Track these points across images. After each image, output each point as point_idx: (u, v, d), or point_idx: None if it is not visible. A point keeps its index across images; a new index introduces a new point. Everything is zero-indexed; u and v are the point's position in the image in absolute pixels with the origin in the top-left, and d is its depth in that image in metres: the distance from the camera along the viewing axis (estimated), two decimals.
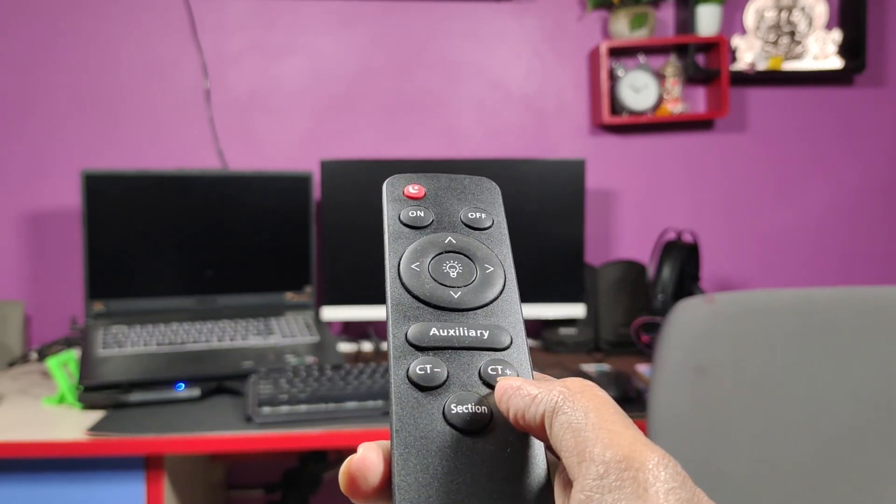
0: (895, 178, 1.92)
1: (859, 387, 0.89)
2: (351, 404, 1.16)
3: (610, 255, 1.85)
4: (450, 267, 0.31)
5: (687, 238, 1.61)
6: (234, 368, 1.31)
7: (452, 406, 0.26)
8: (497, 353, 0.28)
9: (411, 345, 0.28)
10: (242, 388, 1.24)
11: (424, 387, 0.27)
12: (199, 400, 1.25)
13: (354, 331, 1.76)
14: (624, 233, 1.86)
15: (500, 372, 0.27)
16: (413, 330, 0.28)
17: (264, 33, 1.77)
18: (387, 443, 0.27)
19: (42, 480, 1.13)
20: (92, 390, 1.22)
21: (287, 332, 1.47)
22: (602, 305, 1.68)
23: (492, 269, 0.31)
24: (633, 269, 1.69)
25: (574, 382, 0.25)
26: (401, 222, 0.32)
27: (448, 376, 0.27)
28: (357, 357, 1.56)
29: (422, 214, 0.33)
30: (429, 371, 0.27)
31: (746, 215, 1.89)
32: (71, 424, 1.15)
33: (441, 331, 0.28)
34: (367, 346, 1.61)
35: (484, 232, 0.33)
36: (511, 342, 0.29)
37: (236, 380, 1.28)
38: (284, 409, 1.14)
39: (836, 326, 0.88)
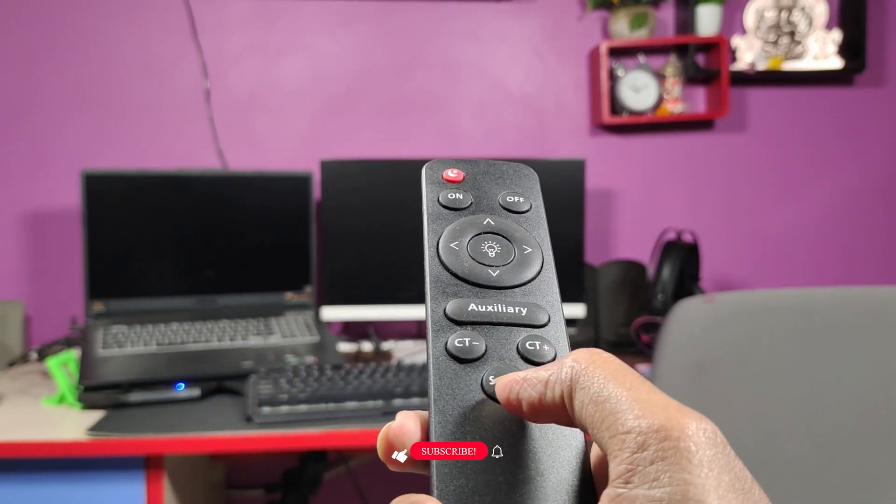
0: (895, 178, 1.92)
1: (859, 386, 0.89)
2: (351, 404, 1.16)
3: (610, 254, 1.85)
4: (488, 247, 0.31)
5: (687, 238, 1.61)
6: (234, 368, 1.31)
7: (490, 378, 0.27)
8: (535, 329, 0.29)
9: (450, 319, 0.28)
10: (242, 388, 1.24)
11: (463, 359, 0.27)
12: (199, 400, 1.25)
13: (354, 331, 1.76)
14: (624, 233, 1.86)
15: (538, 347, 0.28)
16: (452, 305, 0.29)
17: (264, 33, 1.77)
18: (424, 412, 0.27)
19: (42, 480, 1.13)
20: (92, 390, 1.22)
21: (287, 332, 1.47)
22: (602, 305, 1.68)
23: (530, 250, 0.31)
24: (633, 269, 1.69)
25: (581, 354, 0.25)
26: (440, 204, 0.33)
27: (486, 350, 0.27)
28: (357, 357, 1.56)
29: (461, 197, 0.33)
30: (467, 344, 0.27)
31: (746, 215, 1.89)
32: (71, 424, 1.15)
33: (479, 306, 0.29)
34: (367, 346, 1.61)
35: (522, 215, 0.33)
36: (549, 320, 0.29)
37: (236, 380, 1.28)
38: (284, 409, 1.14)
39: (836, 326, 0.88)
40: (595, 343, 1.66)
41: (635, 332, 1.55)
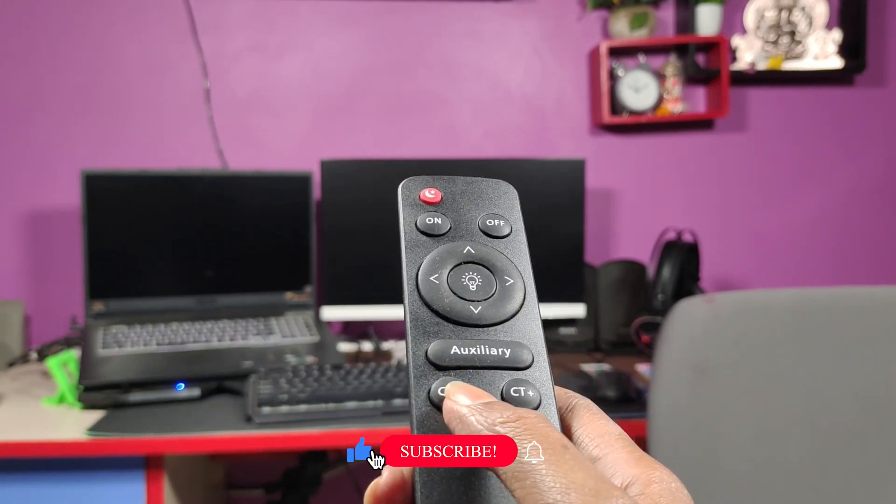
0: (894, 179, 1.92)
1: (858, 386, 0.89)
2: (351, 404, 1.16)
3: (610, 254, 1.85)
4: (469, 279, 0.30)
5: (687, 238, 1.61)
6: (234, 368, 1.31)
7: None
8: (519, 371, 0.28)
9: (432, 364, 0.27)
10: (242, 388, 1.24)
11: None
12: (199, 400, 1.25)
13: (354, 331, 1.76)
14: (624, 233, 1.86)
15: (522, 394, 0.27)
16: (433, 348, 0.28)
17: (264, 33, 1.77)
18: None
19: (42, 480, 1.13)
20: (92, 390, 1.22)
21: (287, 332, 1.47)
22: (602, 305, 1.68)
23: (511, 281, 0.30)
24: (633, 269, 1.69)
25: (515, 420, 0.24)
26: (418, 229, 0.31)
27: None
28: (357, 357, 1.56)
29: (439, 221, 0.32)
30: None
31: (746, 215, 1.89)
32: (71, 424, 1.15)
33: (462, 349, 0.28)
34: (367, 346, 1.61)
35: (502, 240, 0.32)
36: (532, 360, 0.28)
37: (236, 380, 1.28)
38: (284, 409, 1.14)
39: (836, 326, 0.88)
40: (595, 343, 1.66)
41: (635, 332, 1.55)
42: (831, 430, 0.89)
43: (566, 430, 0.28)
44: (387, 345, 1.65)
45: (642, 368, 1.43)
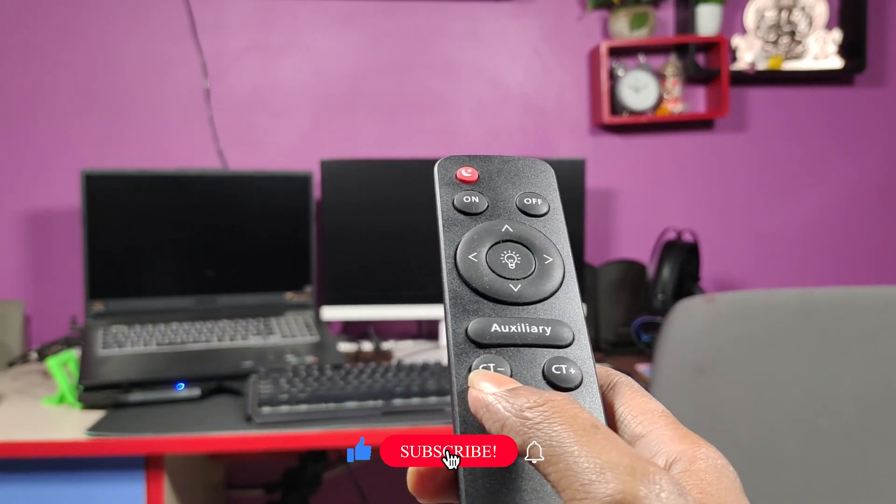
0: (894, 178, 1.92)
1: (859, 386, 0.89)
2: (351, 404, 1.16)
3: (610, 254, 1.85)
4: (507, 257, 0.30)
5: (687, 238, 1.61)
6: (234, 368, 1.31)
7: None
8: (560, 349, 0.28)
9: (472, 341, 0.27)
10: (242, 388, 1.24)
11: None
12: (199, 400, 1.25)
13: (354, 331, 1.76)
14: (624, 233, 1.86)
15: (563, 371, 0.27)
16: (474, 326, 0.28)
17: (264, 33, 1.77)
18: None
19: (42, 480, 1.13)
20: (92, 390, 1.22)
21: (287, 332, 1.47)
22: (602, 305, 1.68)
23: (550, 259, 0.30)
24: (633, 269, 1.69)
25: (544, 404, 0.24)
26: (455, 208, 0.31)
27: (511, 375, 0.27)
28: (357, 357, 1.56)
29: (476, 200, 0.31)
30: (492, 371, 0.26)
31: (746, 215, 1.89)
32: (71, 424, 1.15)
33: (503, 327, 0.28)
34: (367, 346, 1.61)
35: (540, 219, 0.32)
36: (573, 338, 0.28)
37: (236, 380, 1.28)
38: (284, 408, 1.14)
39: (836, 326, 0.88)
40: (595, 343, 1.66)
41: (635, 332, 1.55)
42: (831, 430, 0.89)
43: (608, 407, 0.28)
44: (387, 345, 1.65)
45: (642, 368, 1.43)
